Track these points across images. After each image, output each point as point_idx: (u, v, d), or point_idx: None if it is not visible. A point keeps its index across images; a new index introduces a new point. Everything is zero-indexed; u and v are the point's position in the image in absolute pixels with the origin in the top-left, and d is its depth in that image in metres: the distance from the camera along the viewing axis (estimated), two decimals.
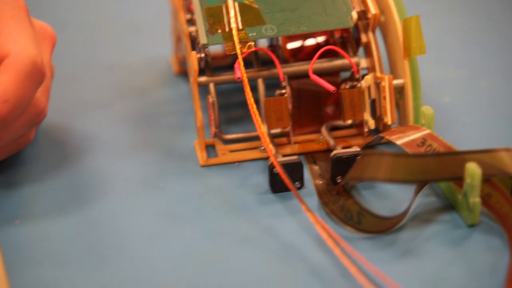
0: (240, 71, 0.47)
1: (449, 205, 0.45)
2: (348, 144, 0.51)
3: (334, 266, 0.40)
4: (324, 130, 0.51)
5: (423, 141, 0.45)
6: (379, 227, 0.43)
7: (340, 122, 0.52)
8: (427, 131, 0.45)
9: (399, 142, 0.46)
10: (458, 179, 0.43)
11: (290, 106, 0.49)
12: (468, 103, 0.56)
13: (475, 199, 0.42)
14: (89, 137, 0.52)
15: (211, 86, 0.50)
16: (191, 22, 0.53)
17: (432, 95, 0.56)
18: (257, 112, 0.45)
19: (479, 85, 0.58)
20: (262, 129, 0.45)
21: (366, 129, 0.50)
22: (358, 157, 0.44)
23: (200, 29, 0.49)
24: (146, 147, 0.52)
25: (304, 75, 0.51)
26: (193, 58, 0.48)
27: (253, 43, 0.48)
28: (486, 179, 0.43)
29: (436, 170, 0.42)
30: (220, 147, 0.51)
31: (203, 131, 0.49)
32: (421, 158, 0.42)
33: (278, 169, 0.44)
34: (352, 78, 0.51)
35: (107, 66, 0.62)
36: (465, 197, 0.43)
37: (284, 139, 0.51)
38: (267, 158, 0.50)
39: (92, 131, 0.53)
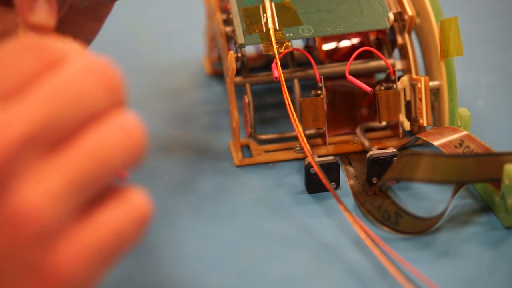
0: (278, 71, 0.47)
1: (486, 207, 0.45)
2: (383, 145, 0.51)
3: (372, 266, 0.40)
4: (358, 131, 0.51)
5: (460, 142, 0.45)
6: (416, 228, 0.43)
7: (374, 124, 0.52)
8: (464, 132, 0.45)
9: (436, 143, 0.45)
10: (496, 180, 0.43)
11: (325, 107, 0.49)
12: (502, 107, 0.56)
13: None
14: None
15: (247, 86, 0.51)
16: (227, 22, 0.53)
17: (466, 99, 0.55)
18: (294, 112, 0.46)
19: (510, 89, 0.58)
20: (299, 128, 0.45)
21: (401, 131, 0.50)
22: (396, 158, 0.44)
23: (238, 29, 0.49)
24: (181, 147, 0.52)
25: (339, 76, 0.51)
26: (231, 58, 0.48)
27: (290, 44, 0.49)
28: None
29: (475, 171, 0.42)
30: (255, 147, 0.51)
31: (238, 131, 0.50)
32: (460, 159, 0.42)
33: (316, 168, 0.44)
34: (387, 79, 0.51)
35: (140, 67, 0.62)
36: (503, 199, 0.43)
37: (318, 140, 0.51)
38: (302, 159, 0.50)
39: None
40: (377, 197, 0.45)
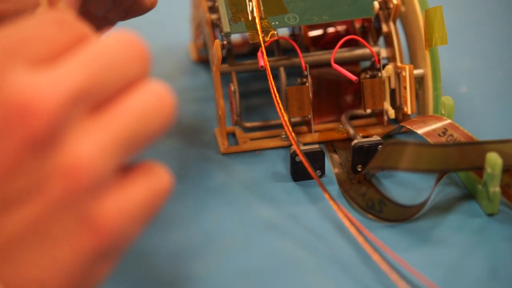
0: (264, 60, 0.47)
1: (469, 194, 0.46)
2: (367, 133, 0.51)
3: (356, 253, 0.41)
4: (343, 119, 0.52)
5: (444, 130, 0.46)
6: (400, 216, 0.43)
7: (359, 111, 0.53)
8: (448, 121, 0.46)
9: (420, 131, 0.46)
10: (479, 169, 0.43)
11: (311, 95, 0.50)
12: (485, 94, 0.56)
13: (495, 188, 0.43)
14: None
15: (233, 74, 0.51)
16: (212, 9, 0.54)
17: (449, 86, 0.56)
18: (279, 101, 0.46)
19: (496, 76, 0.59)
20: (285, 117, 0.45)
21: (385, 118, 0.51)
22: (381, 146, 0.44)
23: (223, 17, 0.49)
24: (167, 135, 0.52)
25: (325, 64, 0.52)
26: (217, 46, 0.48)
27: (275, 32, 0.49)
28: (506, 169, 0.44)
29: (458, 160, 0.43)
30: (241, 135, 0.51)
31: (224, 119, 0.50)
32: (443, 148, 0.43)
33: (301, 157, 0.44)
34: (372, 67, 0.51)
35: None
36: (485, 187, 0.43)
37: (304, 128, 0.52)
38: (287, 147, 0.50)
39: None
40: (362, 185, 0.45)
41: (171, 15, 0.67)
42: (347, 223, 0.42)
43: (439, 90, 0.50)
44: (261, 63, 0.47)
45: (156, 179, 0.31)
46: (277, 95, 0.46)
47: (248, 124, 0.52)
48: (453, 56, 0.60)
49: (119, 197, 0.29)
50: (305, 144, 0.49)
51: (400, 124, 0.48)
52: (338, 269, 0.40)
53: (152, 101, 0.31)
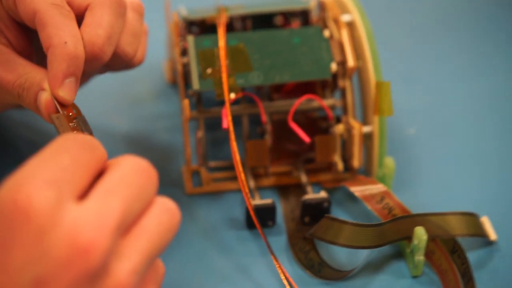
0: (228, 122, 0.52)
1: (399, 253, 0.52)
2: (318, 179, 0.57)
3: None
4: (299, 163, 0.57)
5: (382, 198, 0.52)
6: (335, 277, 0.50)
7: (313, 155, 0.58)
8: (384, 189, 0.52)
9: (359, 194, 0.52)
10: (409, 239, 0.50)
11: (270, 141, 0.55)
12: (433, 136, 0.62)
13: (419, 257, 0.49)
14: None
15: (201, 121, 0.56)
16: (184, 53, 0.58)
17: (400, 124, 0.61)
18: (241, 169, 0.51)
19: (445, 114, 0.64)
20: (243, 182, 0.51)
21: (335, 169, 0.57)
22: (323, 219, 0.50)
23: (194, 73, 0.54)
24: None
25: (285, 111, 0.57)
26: (186, 106, 0.53)
27: (240, 90, 0.54)
28: (432, 239, 0.50)
29: (391, 234, 0.49)
30: (205, 175, 0.57)
31: (190, 164, 0.55)
32: (378, 227, 0.49)
33: (252, 216, 0.50)
34: (327, 119, 0.56)
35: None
36: (412, 254, 0.50)
37: (262, 170, 0.57)
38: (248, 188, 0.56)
39: None
40: (306, 243, 0.51)
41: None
42: (285, 282, 0.48)
43: (384, 148, 0.55)
44: (225, 124, 0.52)
45: (167, 212, 0.39)
46: (240, 166, 0.51)
47: (213, 164, 0.58)
48: (406, 89, 0.65)
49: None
50: (261, 189, 0.55)
51: (345, 184, 0.54)
52: None
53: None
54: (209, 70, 0.54)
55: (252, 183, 0.56)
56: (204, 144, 0.56)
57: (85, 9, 0.47)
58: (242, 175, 0.51)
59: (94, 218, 0.34)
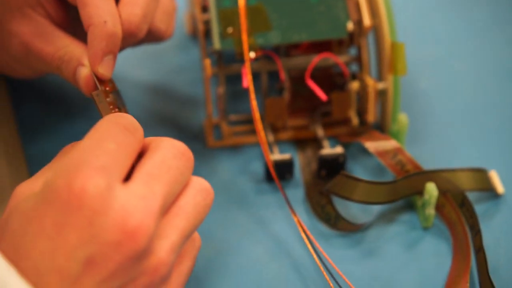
0: (248, 80, 0.54)
1: (411, 205, 0.55)
2: (334, 133, 0.59)
3: (312, 263, 0.51)
4: (315, 116, 0.60)
5: (394, 154, 0.54)
6: (350, 229, 0.53)
7: (329, 108, 0.60)
8: (397, 145, 0.54)
9: (373, 150, 0.55)
10: (421, 193, 0.53)
11: (288, 97, 0.57)
12: (444, 90, 0.64)
13: (430, 211, 0.52)
14: None
15: (221, 77, 0.58)
16: (205, 9, 0.60)
17: (410, 78, 0.63)
18: (261, 127, 0.53)
19: (456, 68, 0.66)
20: (263, 140, 0.53)
21: (351, 123, 0.59)
22: (338, 176, 0.53)
23: (215, 32, 0.56)
24: (159, 123, 0.60)
25: (303, 68, 0.59)
26: (207, 66, 0.55)
27: (259, 49, 0.56)
28: (443, 192, 0.53)
29: (403, 190, 0.52)
30: (226, 129, 0.59)
31: (211, 118, 0.58)
32: (391, 185, 0.51)
33: (271, 170, 0.53)
34: (342, 75, 0.58)
35: None
36: (423, 207, 0.53)
37: (281, 123, 0.60)
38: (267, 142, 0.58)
39: None
40: (323, 197, 0.54)
41: None
42: (303, 235, 0.52)
43: (397, 104, 0.58)
44: (245, 83, 0.55)
45: (203, 191, 0.42)
46: (260, 126, 0.53)
47: (233, 118, 0.60)
48: (417, 43, 0.67)
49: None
50: (279, 142, 0.58)
51: (359, 140, 0.56)
52: (296, 279, 0.50)
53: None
54: (229, 30, 0.56)
55: (271, 137, 0.58)
56: (224, 100, 0.58)
57: None
58: (262, 133, 0.54)
59: (141, 203, 0.37)
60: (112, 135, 0.39)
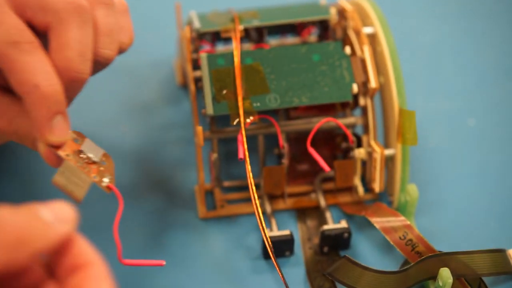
0: (244, 153, 0.49)
1: (421, 286, 0.50)
2: (337, 201, 0.55)
3: None
4: (316, 183, 0.55)
5: (404, 233, 0.49)
6: None
7: (332, 173, 0.56)
8: (406, 223, 0.50)
9: (380, 227, 0.50)
10: (434, 278, 0.48)
11: (287, 163, 0.53)
12: (455, 149, 0.59)
13: None
14: None
15: (214, 142, 0.53)
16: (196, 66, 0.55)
17: (419, 137, 0.58)
18: (257, 201, 0.48)
19: (468, 125, 0.61)
20: (260, 215, 0.48)
21: (355, 193, 0.54)
22: (342, 260, 0.48)
23: (207, 96, 0.51)
24: (150, 189, 0.55)
25: (303, 132, 0.54)
26: (199, 134, 0.50)
27: (256, 114, 0.51)
28: (457, 277, 0.48)
29: (415, 276, 0.47)
30: (219, 196, 0.54)
31: (203, 190, 0.53)
32: (403, 273, 0.47)
33: (269, 250, 0.48)
34: (347, 141, 0.54)
35: (110, 69, 0.62)
36: None
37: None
38: (263, 213, 0.53)
39: None
40: (325, 279, 0.49)
41: (157, 22, 0.67)
42: None
43: (406, 172, 0.53)
44: (241, 154, 0.50)
45: None
46: (257, 201, 0.48)
47: (227, 184, 0.55)
48: (429, 94, 0.62)
49: None
50: (277, 212, 0.53)
51: (364, 215, 0.52)
52: None
53: None
54: (224, 92, 0.51)
55: (268, 208, 0.54)
56: (218, 166, 0.53)
57: (47, 27, 0.42)
58: (259, 209, 0.49)
59: None
60: None
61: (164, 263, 0.44)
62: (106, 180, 0.43)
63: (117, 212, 0.42)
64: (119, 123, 0.60)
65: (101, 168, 0.43)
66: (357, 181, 0.54)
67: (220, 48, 0.59)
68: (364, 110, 0.54)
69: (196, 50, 0.56)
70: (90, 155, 0.43)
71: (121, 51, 0.47)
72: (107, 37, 0.45)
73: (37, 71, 0.40)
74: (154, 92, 0.62)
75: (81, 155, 0.43)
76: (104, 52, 0.44)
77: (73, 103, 0.59)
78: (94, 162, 0.43)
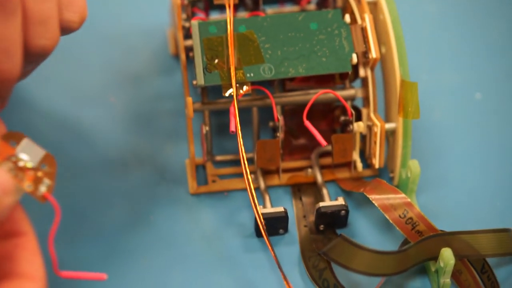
0: (236, 125, 0.47)
1: (423, 269, 0.48)
2: (335, 177, 0.52)
3: None
4: (313, 158, 0.52)
5: (404, 211, 0.47)
6: None
7: (329, 148, 0.53)
8: (406, 200, 0.47)
9: (379, 204, 0.47)
10: (435, 259, 0.45)
11: (282, 136, 0.50)
12: (460, 124, 0.56)
13: (446, 280, 0.45)
14: (81, 146, 0.53)
15: (206, 113, 0.51)
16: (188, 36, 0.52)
17: (420, 110, 0.56)
18: (249, 174, 0.46)
19: (474, 96, 0.58)
20: (252, 191, 0.46)
21: (353, 167, 0.52)
22: (337, 239, 0.45)
23: (198, 66, 0.48)
24: (139, 161, 0.53)
25: (300, 104, 0.51)
26: (189, 105, 0.48)
27: (249, 84, 0.48)
28: (460, 258, 0.46)
29: (415, 257, 0.45)
30: (211, 170, 0.52)
31: (194, 165, 0.51)
32: (401, 253, 0.44)
33: (261, 229, 0.46)
34: (345, 112, 0.51)
35: (100, 37, 0.60)
36: (437, 274, 0.46)
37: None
38: (256, 188, 0.51)
39: (85, 134, 0.54)
40: (321, 259, 0.47)
41: None
42: None
43: (408, 148, 0.50)
44: (233, 127, 0.47)
45: None
46: (247, 171, 0.46)
47: (219, 158, 0.53)
48: (432, 68, 0.59)
49: None
50: (271, 188, 0.50)
51: (363, 191, 0.49)
52: None
53: None
54: (215, 61, 0.48)
55: (262, 184, 0.51)
56: (210, 139, 0.51)
57: None
58: (252, 184, 0.46)
59: None
60: None
61: (105, 277, 0.38)
62: (42, 188, 0.37)
63: (53, 223, 0.36)
64: (108, 94, 0.57)
65: (39, 174, 0.38)
66: (356, 156, 0.51)
67: (215, 16, 0.56)
68: (364, 81, 0.51)
69: (188, 18, 0.53)
70: (26, 159, 0.38)
71: (70, 30, 0.42)
72: (40, 26, 0.40)
73: None
74: (145, 62, 0.60)
75: (15, 160, 0.37)
76: (39, 42, 0.39)
77: (60, 72, 0.58)
78: (30, 168, 0.38)
